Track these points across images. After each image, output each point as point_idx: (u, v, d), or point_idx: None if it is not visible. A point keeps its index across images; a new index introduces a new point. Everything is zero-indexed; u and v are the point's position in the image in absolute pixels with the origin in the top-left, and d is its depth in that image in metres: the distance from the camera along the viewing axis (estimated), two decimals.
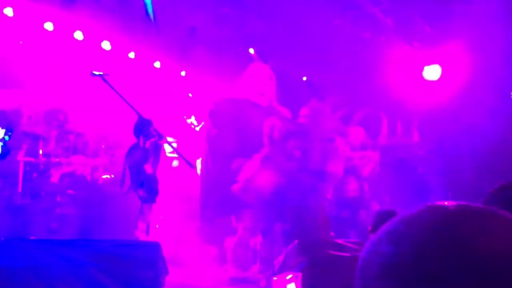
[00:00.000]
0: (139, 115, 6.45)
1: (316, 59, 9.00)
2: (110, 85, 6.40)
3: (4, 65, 7.71)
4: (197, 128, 9.77)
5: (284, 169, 8.18)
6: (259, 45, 9.49)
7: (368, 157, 8.99)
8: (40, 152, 7.35)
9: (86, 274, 3.78)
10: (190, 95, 9.96)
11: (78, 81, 8.05)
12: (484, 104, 7.90)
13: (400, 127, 9.42)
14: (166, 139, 6.83)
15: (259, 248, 7.87)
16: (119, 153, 7.77)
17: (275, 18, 8.51)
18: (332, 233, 7.87)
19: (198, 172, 9.34)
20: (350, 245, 5.45)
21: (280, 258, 5.81)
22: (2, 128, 7.06)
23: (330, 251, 5.29)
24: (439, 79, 8.62)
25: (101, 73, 6.36)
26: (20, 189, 7.15)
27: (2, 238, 3.89)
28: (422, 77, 8.74)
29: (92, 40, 8.75)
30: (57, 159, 7.52)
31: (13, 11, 7.90)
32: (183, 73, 10.05)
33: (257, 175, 8.18)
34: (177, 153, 8.31)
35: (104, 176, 7.90)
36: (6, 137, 7.09)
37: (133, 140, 6.60)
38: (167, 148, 8.23)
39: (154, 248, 4.10)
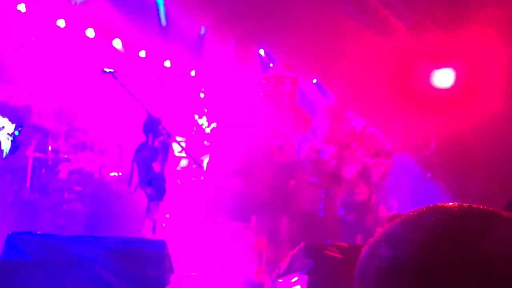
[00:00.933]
0: (149, 113, 6.45)
1: (328, 61, 8.97)
2: (120, 83, 6.42)
3: (15, 61, 7.75)
4: (208, 130, 9.76)
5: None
6: (271, 45, 9.48)
7: (381, 163, 8.93)
8: (49, 148, 7.38)
9: (92, 271, 3.78)
10: (202, 95, 9.96)
11: (88, 78, 8.08)
12: (499, 110, 7.83)
13: (416, 135, 9.36)
14: (175, 138, 6.83)
15: (265, 250, 7.85)
16: (127, 150, 7.78)
17: (287, 18, 8.48)
18: (340, 237, 7.84)
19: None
20: (356, 249, 5.42)
21: (286, 260, 5.79)
22: (12, 123, 7.11)
23: (337, 255, 5.27)
24: (452, 85, 8.56)
25: (112, 70, 6.37)
26: (28, 184, 7.18)
27: (10, 233, 3.91)
28: (436, 84, 8.68)
29: (104, 38, 8.78)
30: (66, 156, 7.55)
31: (26, 7, 7.95)
32: (192, 73, 10.06)
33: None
34: (185, 153, 8.31)
35: (112, 174, 7.92)
36: (16, 132, 7.14)
37: (142, 138, 6.61)
38: (176, 147, 8.23)
39: (160, 246, 4.09)
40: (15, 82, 7.66)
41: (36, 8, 8.01)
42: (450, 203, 0.68)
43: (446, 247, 0.62)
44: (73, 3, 8.24)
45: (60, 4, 8.16)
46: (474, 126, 8.14)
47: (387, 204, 8.85)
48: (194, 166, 8.54)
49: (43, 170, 7.33)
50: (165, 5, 8.87)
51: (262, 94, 8.68)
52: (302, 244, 5.42)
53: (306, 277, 5.20)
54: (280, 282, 5.78)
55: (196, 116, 9.78)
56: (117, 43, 9.03)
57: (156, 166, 6.42)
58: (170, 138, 6.61)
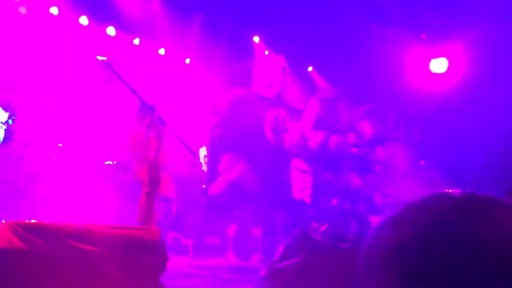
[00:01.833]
0: (142, 101, 6.42)
1: (322, 49, 8.94)
2: (114, 71, 6.37)
3: (8, 49, 7.69)
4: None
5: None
6: (268, 33, 9.42)
7: (373, 151, 8.95)
8: (44, 136, 7.36)
9: (86, 258, 3.79)
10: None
11: (82, 66, 8.04)
12: (491, 98, 7.85)
13: (404, 122, 9.37)
14: (169, 126, 6.80)
15: (259, 237, 7.88)
16: (122, 139, 7.77)
17: (282, 3, 8.43)
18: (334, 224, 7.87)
19: (201, 160, 9.33)
20: (351, 236, 5.44)
21: (281, 247, 5.81)
22: (6, 112, 7.07)
23: (331, 242, 5.30)
24: (446, 72, 8.56)
25: (105, 58, 6.33)
26: (23, 173, 7.17)
27: (3, 221, 3.90)
28: (429, 71, 8.68)
29: (97, 26, 8.73)
30: (61, 144, 7.53)
31: None
32: (187, 61, 10.02)
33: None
34: (180, 141, 8.29)
35: (107, 162, 7.91)
36: (10, 121, 7.10)
37: (136, 126, 6.58)
38: (170, 136, 8.20)
39: (154, 234, 4.10)
40: (7, 71, 7.61)
41: None
42: (454, 190, 0.71)
43: (449, 229, 0.64)
44: None
45: None
46: (466, 113, 8.16)
47: (382, 192, 8.88)
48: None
49: (38, 159, 7.32)
50: None
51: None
52: (295, 232, 5.46)
53: (300, 264, 5.23)
54: (275, 269, 5.79)
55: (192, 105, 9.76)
56: (111, 31, 8.98)
57: (150, 155, 6.40)
58: (164, 126, 6.59)
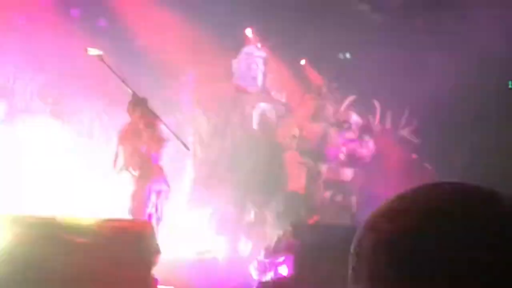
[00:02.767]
0: (134, 93, 6.40)
1: (312, 39, 8.88)
2: (105, 63, 6.35)
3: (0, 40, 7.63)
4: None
5: None
6: (256, 25, 9.35)
7: (364, 143, 8.98)
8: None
9: (78, 251, 3.78)
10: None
11: (73, 58, 7.97)
12: (483, 92, 7.87)
13: (397, 115, 9.38)
14: (161, 119, 6.78)
15: (252, 230, 7.90)
16: (113, 132, 7.73)
17: None
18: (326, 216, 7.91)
19: (194, 153, 9.29)
20: (343, 228, 5.47)
21: (274, 240, 5.83)
22: None
23: (323, 234, 5.31)
24: (444, 69, 8.56)
25: (97, 51, 6.30)
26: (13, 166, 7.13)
27: None
28: (420, 64, 8.68)
29: (89, 17, 8.66)
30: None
31: None
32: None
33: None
34: (172, 134, 8.26)
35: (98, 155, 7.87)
36: None
37: (128, 118, 6.56)
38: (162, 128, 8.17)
39: (146, 227, 4.09)
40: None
41: None
42: (446, 182, 0.71)
43: (441, 220, 0.64)
44: None
45: None
46: (457, 106, 8.17)
47: (373, 185, 8.91)
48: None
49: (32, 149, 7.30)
50: None
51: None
52: (289, 224, 5.47)
53: (293, 256, 5.24)
54: (268, 262, 5.83)
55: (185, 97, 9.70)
56: (102, 23, 8.91)
57: (142, 147, 6.39)
58: (156, 119, 6.57)
